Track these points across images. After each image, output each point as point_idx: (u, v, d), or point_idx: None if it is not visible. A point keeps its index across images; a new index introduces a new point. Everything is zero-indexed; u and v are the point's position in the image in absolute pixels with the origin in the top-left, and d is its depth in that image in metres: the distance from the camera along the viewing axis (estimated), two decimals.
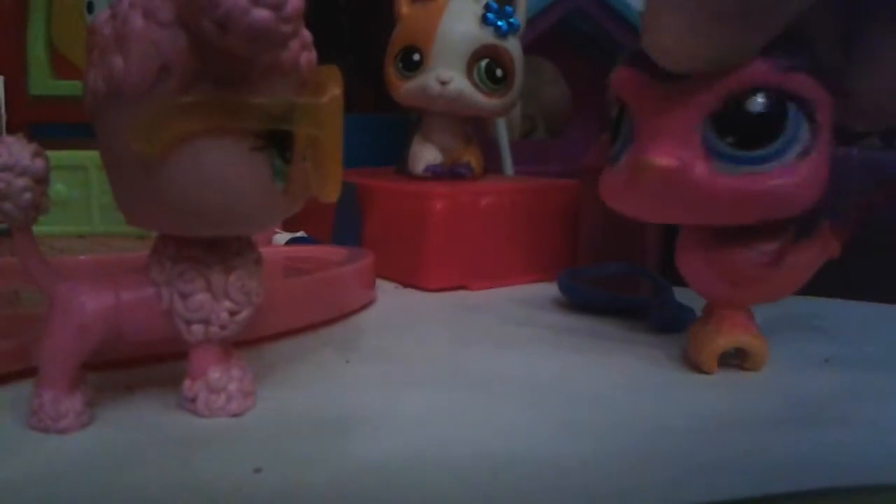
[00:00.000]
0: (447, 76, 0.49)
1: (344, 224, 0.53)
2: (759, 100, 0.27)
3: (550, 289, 0.46)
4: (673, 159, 0.28)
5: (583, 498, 0.21)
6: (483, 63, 0.50)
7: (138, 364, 0.31)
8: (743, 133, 0.27)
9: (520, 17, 0.51)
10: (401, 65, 0.51)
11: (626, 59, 0.29)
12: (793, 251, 0.30)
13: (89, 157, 0.58)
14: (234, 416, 0.26)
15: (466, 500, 0.21)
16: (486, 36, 0.50)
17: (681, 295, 0.37)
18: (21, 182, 0.23)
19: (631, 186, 0.29)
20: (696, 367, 0.32)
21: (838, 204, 0.31)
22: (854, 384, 0.30)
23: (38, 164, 0.23)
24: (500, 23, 0.50)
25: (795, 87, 0.27)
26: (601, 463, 0.23)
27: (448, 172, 0.52)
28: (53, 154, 0.25)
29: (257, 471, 0.22)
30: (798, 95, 0.27)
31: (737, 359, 0.32)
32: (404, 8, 0.53)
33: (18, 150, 0.23)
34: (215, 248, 0.26)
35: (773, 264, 0.30)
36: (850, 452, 0.24)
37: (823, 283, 0.38)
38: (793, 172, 0.27)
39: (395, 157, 0.56)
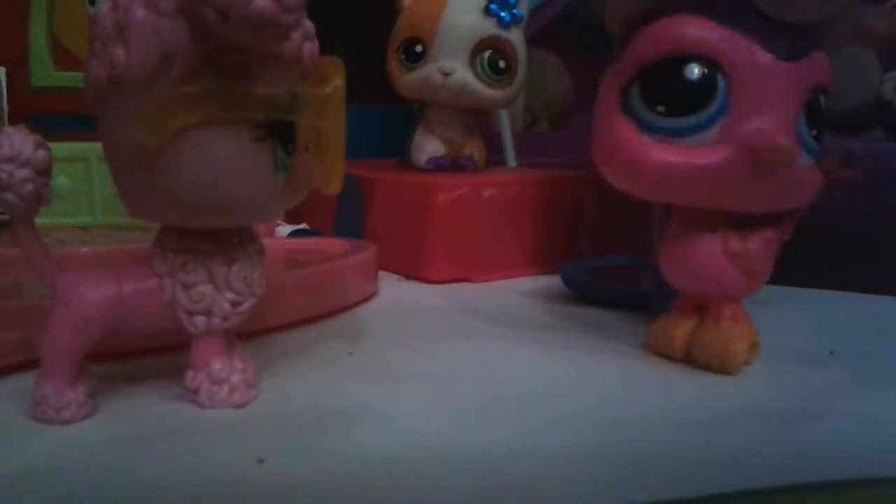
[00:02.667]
0: (450, 67, 0.49)
1: (346, 216, 0.53)
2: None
3: (553, 281, 0.45)
4: (789, 138, 0.27)
5: (585, 489, 0.21)
6: (486, 54, 0.50)
7: (141, 355, 0.31)
8: (820, 129, 0.28)
9: (523, 8, 0.51)
10: (403, 56, 0.51)
11: (719, 13, 0.27)
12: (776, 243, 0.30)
13: (91, 148, 0.58)
14: (237, 407, 0.26)
15: (469, 492, 0.21)
16: (489, 27, 0.50)
17: None
18: (23, 173, 0.23)
19: (747, 169, 0.27)
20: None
21: None
22: (858, 377, 0.30)
23: (40, 155, 0.23)
24: (503, 14, 0.50)
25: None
26: (604, 455, 0.23)
27: (450, 164, 0.52)
28: (55, 146, 0.24)
29: (260, 462, 0.22)
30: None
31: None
32: None
33: (20, 141, 0.23)
34: (217, 240, 0.26)
35: (776, 251, 0.30)
36: (855, 445, 0.24)
37: (826, 276, 0.38)
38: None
39: (397, 148, 0.56)
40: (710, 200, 0.29)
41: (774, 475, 0.22)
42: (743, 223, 0.30)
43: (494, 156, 0.58)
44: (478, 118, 0.55)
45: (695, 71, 0.27)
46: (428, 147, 0.53)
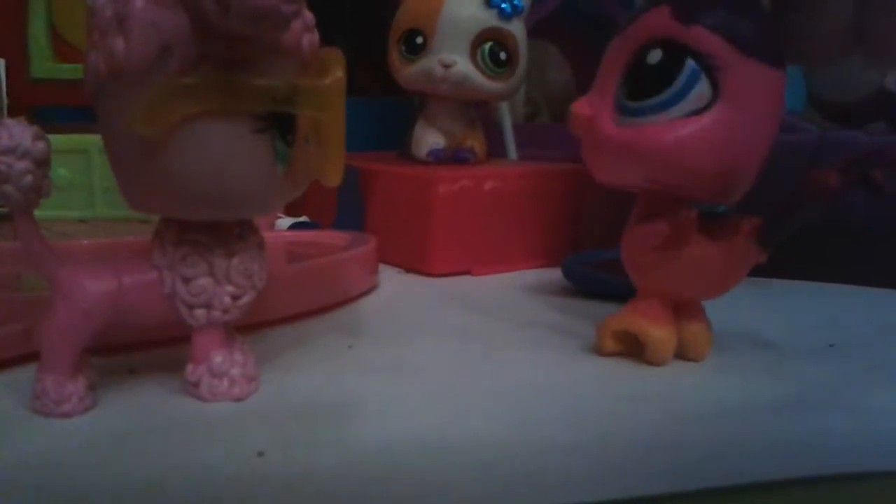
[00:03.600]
0: (451, 60, 0.49)
1: (347, 209, 0.53)
2: (655, 50, 0.27)
3: (554, 274, 0.45)
4: (587, 107, 0.29)
5: (585, 482, 0.21)
6: (487, 46, 0.49)
7: (141, 348, 0.31)
8: (635, 83, 0.28)
9: (524, 0, 0.51)
10: (404, 48, 0.51)
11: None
12: (693, 243, 0.29)
13: (91, 140, 0.57)
14: (237, 400, 0.26)
15: (469, 485, 0.21)
16: (490, 19, 0.49)
17: None
18: (22, 165, 0.23)
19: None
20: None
21: (761, 200, 0.29)
22: (858, 370, 0.30)
23: (39, 146, 0.23)
24: (503, 5, 0.49)
25: (693, 41, 0.27)
26: (606, 448, 0.23)
27: (451, 157, 0.52)
28: (55, 138, 0.24)
29: (260, 454, 0.22)
30: (697, 50, 0.27)
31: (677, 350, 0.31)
32: None
33: (19, 132, 0.23)
34: (218, 232, 0.26)
35: (664, 249, 0.29)
36: (854, 438, 0.24)
37: (827, 269, 0.37)
38: (676, 127, 0.27)
39: (398, 141, 0.56)
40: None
41: (774, 468, 0.22)
42: (643, 215, 0.30)
43: (495, 148, 0.58)
44: (478, 110, 0.55)
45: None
46: (428, 139, 0.53)
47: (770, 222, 0.28)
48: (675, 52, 0.27)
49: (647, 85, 0.27)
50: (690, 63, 0.27)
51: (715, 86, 0.27)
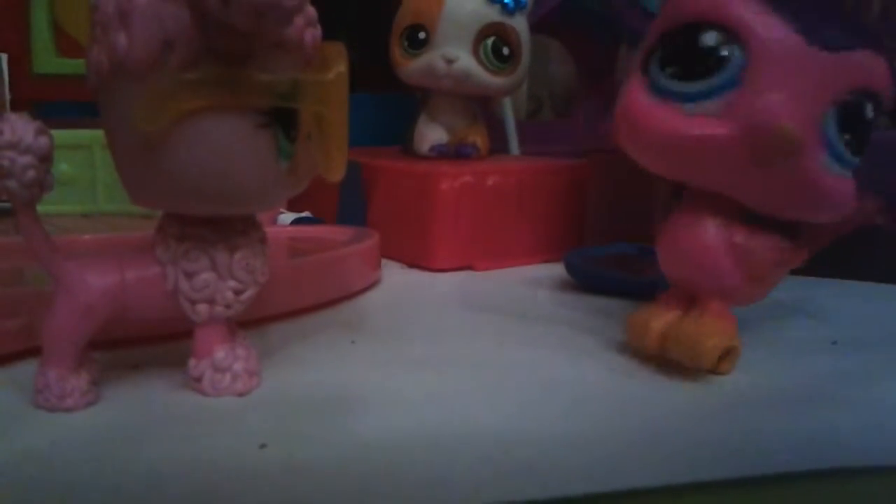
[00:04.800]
0: (453, 55, 0.49)
1: (349, 204, 0.53)
2: (870, 107, 0.26)
3: (557, 269, 0.45)
4: (800, 129, 0.25)
5: (588, 474, 0.21)
6: (489, 41, 0.49)
7: (144, 343, 0.31)
8: (856, 136, 0.26)
9: None
10: (406, 43, 0.51)
11: None
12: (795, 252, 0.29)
13: (94, 135, 0.57)
14: (240, 395, 0.26)
15: (471, 477, 0.21)
16: (493, 14, 0.49)
17: None
18: (24, 160, 0.23)
19: (739, 148, 0.26)
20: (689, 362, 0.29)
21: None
22: (862, 366, 0.30)
23: (42, 141, 0.23)
24: (506, 0, 0.49)
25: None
26: (606, 441, 0.23)
27: (454, 152, 0.52)
28: (58, 133, 0.24)
29: (262, 447, 0.22)
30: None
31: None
32: None
33: (22, 127, 0.23)
34: (220, 228, 0.26)
35: (784, 263, 0.29)
36: (856, 434, 0.24)
37: (829, 266, 0.37)
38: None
39: (400, 136, 0.56)
40: (705, 178, 0.27)
41: (776, 463, 0.22)
42: (755, 220, 0.28)
43: (498, 144, 0.58)
44: (481, 106, 0.55)
45: (707, 37, 0.26)
46: (431, 135, 0.52)
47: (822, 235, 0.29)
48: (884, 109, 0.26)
49: (865, 139, 0.27)
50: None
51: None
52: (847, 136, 0.26)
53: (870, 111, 0.26)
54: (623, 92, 0.28)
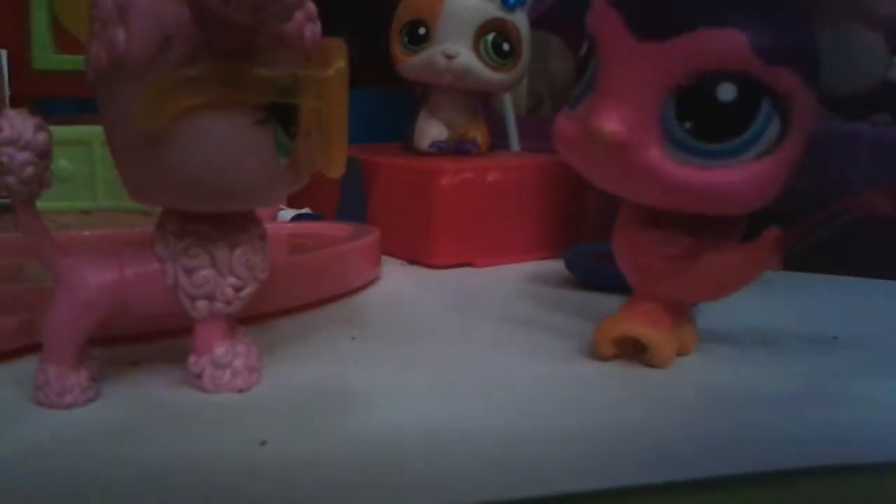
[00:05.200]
0: (453, 50, 0.49)
1: (349, 200, 0.53)
2: (727, 85, 0.24)
3: (557, 266, 0.45)
4: (624, 131, 0.25)
5: (588, 471, 0.21)
6: (489, 37, 0.49)
7: (144, 339, 0.31)
8: (703, 121, 0.25)
9: None
10: (406, 39, 0.51)
11: None
12: (715, 251, 0.28)
13: (93, 132, 0.57)
14: (240, 391, 0.26)
15: (471, 474, 0.21)
16: (493, 9, 0.49)
17: None
18: (23, 156, 0.23)
19: (580, 144, 0.27)
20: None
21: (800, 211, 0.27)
22: (862, 362, 0.30)
23: (41, 138, 0.23)
24: None
25: (774, 81, 0.24)
26: (607, 436, 0.23)
27: (454, 148, 0.52)
28: (57, 129, 0.24)
29: (263, 444, 0.22)
30: (776, 90, 0.24)
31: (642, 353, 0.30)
32: None
33: (21, 123, 0.23)
34: (220, 224, 0.26)
35: (681, 260, 0.28)
36: (857, 430, 0.24)
37: (830, 261, 0.37)
38: (741, 172, 0.25)
39: (400, 132, 0.56)
40: (585, 174, 0.29)
41: (777, 459, 0.22)
42: (654, 219, 0.28)
43: (498, 140, 0.58)
44: (481, 102, 0.55)
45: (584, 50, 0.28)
46: (431, 131, 0.52)
47: (797, 234, 0.27)
48: (751, 89, 0.24)
49: (718, 124, 0.25)
50: (766, 104, 0.25)
51: (786, 124, 0.25)
52: (688, 124, 0.25)
53: (724, 92, 0.25)
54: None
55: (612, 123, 0.25)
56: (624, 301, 0.31)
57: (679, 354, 0.30)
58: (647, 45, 0.25)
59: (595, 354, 0.30)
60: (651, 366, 0.29)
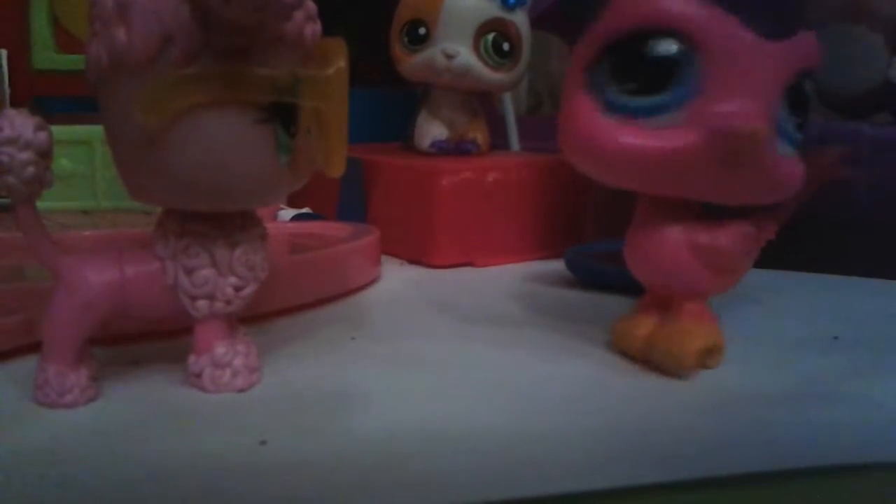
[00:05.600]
0: (453, 50, 0.49)
1: (349, 200, 0.53)
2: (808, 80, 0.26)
3: (557, 265, 0.45)
4: (764, 126, 0.24)
5: (588, 471, 0.21)
6: (490, 37, 0.49)
7: (144, 339, 0.31)
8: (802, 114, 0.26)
9: None
10: (406, 38, 0.51)
11: None
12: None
13: (93, 131, 0.57)
14: (240, 391, 0.26)
15: (471, 474, 0.21)
16: (493, 9, 0.49)
17: None
18: (24, 156, 0.23)
19: (708, 155, 0.25)
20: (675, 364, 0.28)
21: None
22: (862, 362, 0.30)
23: (41, 137, 0.23)
24: None
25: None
26: (606, 436, 0.23)
27: (454, 148, 0.52)
28: (57, 128, 0.24)
29: (262, 443, 0.22)
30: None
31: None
32: None
33: (21, 123, 0.23)
34: (220, 223, 0.26)
35: (753, 249, 0.28)
36: (858, 430, 0.24)
37: (831, 262, 0.37)
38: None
39: (400, 132, 0.56)
40: (675, 188, 0.27)
41: (776, 459, 0.22)
42: (715, 215, 0.28)
43: (498, 139, 0.58)
44: (481, 102, 0.55)
45: (663, 46, 0.25)
46: (431, 130, 0.52)
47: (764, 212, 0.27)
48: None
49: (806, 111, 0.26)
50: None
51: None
52: (795, 119, 0.26)
53: (809, 87, 0.26)
54: (569, 113, 0.27)
55: (762, 121, 0.25)
56: (624, 300, 0.31)
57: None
58: (769, 45, 0.25)
59: (686, 371, 0.28)
60: (711, 367, 0.28)
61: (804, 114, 0.26)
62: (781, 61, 0.25)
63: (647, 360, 0.29)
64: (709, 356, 0.28)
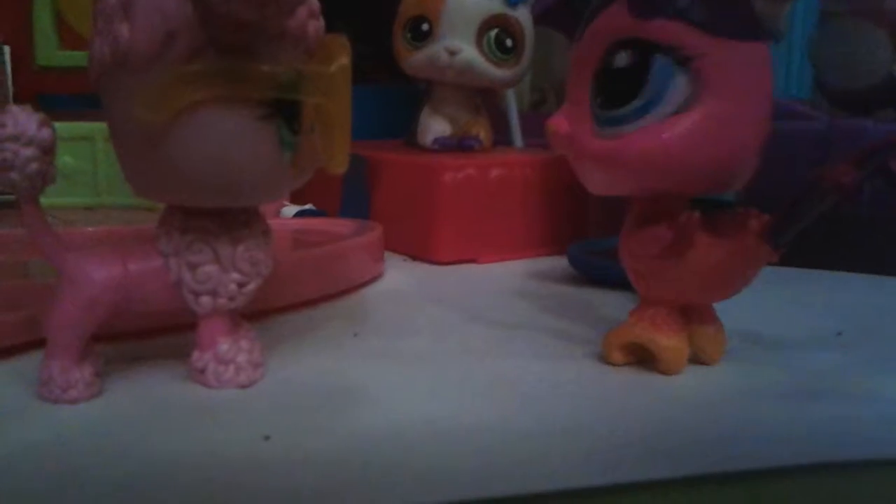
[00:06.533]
0: (456, 46, 0.49)
1: (352, 196, 0.53)
2: (621, 53, 0.25)
3: (560, 262, 0.45)
4: (565, 124, 0.27)
5: (589, 468, 0.21)
6: (493, 33, 0.49)
7: (147, 335, 0.31)
8: (607, 91, 0.26)
9: None
10: (409, 35, 0.51)
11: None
12: (698, 246, 0.27)
13: (97, 128, 0.57)
14: (243, 387, 0.26)
15: (473, 470, 0.21)
16: (496, 5, 0.49)
17: None
18: (27, 152, 0.23)
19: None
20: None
21: (770, 191, 0.28)
22: (866, 358, 0.30)
23: (45, 133, 0.23)
24: None
25: (656, 35, 0.25)
26: (610, 432, 0.23)
27: (457, 144, 0.52)
28: (60, 125, 0.24)
29: (266, 439, 0.22)
30: (663, 44, 0.25)
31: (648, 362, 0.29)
32: None
33: (24, 119, 0.23)
34: (223, 220, 0.26)
35: (666, 256, 0.27)
36: (861, 426, 0.24)
37: (835, 257, 0.37)
38: (660, 132, 0.25)
39: (403, 128, 0.56)
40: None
41: (781, 455, 0.22)
42: (642, 219, 0.28)
43: (501, 136, 0.58)
44: (484, 98, 0.55)
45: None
46: (434, 127, 0.52)
47: (781, 219, 0.26)
48: (643, 50, 0.25)
49: (619, 91, 0.25)
50: (659, 59, 0.25)
51: (696, 77, 0.25)
52: (599, 98, 0.26)
53: (620, 59, 0.26)
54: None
55: (556, 121, 0.28)
56: (628, 297, 0.31)
57: (703, 362, 0.29)
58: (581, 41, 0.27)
59: (605, 360, 0.29)
60: (664, 374, 0.28)
61: (612, 88, 0.26)
62: (587, 52, 0.27)
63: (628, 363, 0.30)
64: (659, 362, 0.28)
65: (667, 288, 0.28)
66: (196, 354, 0.26)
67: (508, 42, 0.50)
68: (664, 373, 0.28)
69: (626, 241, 0.29)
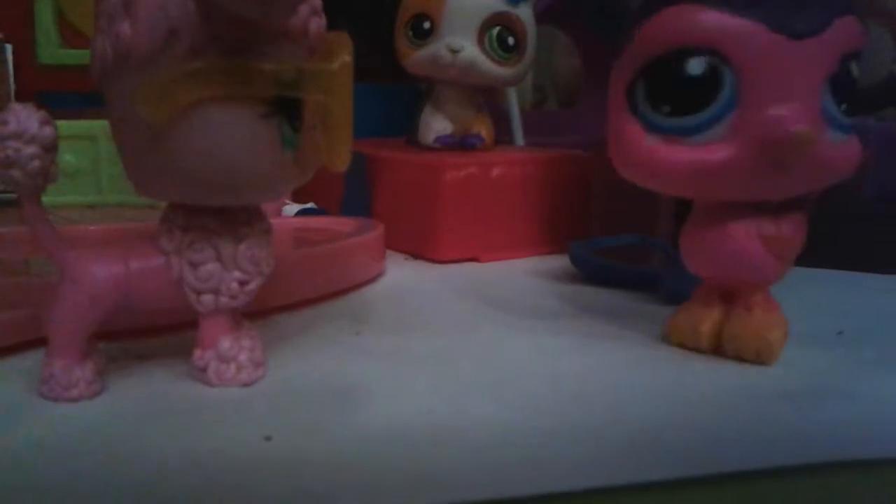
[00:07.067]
0: (458, 44, 0.49)
1: (354, 195, 0.53)
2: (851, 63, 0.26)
3: (562, 261, 0.45)
4: (809, 126, 0.25)
5: (591, 468, 0.21)
6: (495, 31, 0.49)
7: (149, 334, 0.31)
8: (847, 97, 0.26)
9: None
10: (411, 33, 0.51)
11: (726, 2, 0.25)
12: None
13: (99, 126, 0.57)
14: (245, 385, 0.26)
15: (474, 470, 0.21)
16: (498, 3, 0.49)
17: None
18: (29, 150, 0.23)
19: (757, 163, 0.26)
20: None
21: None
22: (867, 357, 0.30)
23: (47, 131, 0.23)
24: None
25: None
26: (611, 433, 0.23)
27: (458, 143, 0.52)
28: (62, 123, 0.24)
29: (267, 438, 0.22)
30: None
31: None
32: None
33: (26, 117, 0.23)
34: (225, 218, 0.26)
35: (805, 233, 0.29)
36: (862, 426, 0.24)
37: (836, 256, 0.37)
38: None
39: (405, 126, 0.56)
40: (729, 194, 0.28)
41: (781, 455, 0.22)
42: (774, 207, 0.28)
43: (502, 135, 0.58)
44: (486, 96, 0.55)
45: (696, 66, 0.26)
46: (436, 125, 0.52)
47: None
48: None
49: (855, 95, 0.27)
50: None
51: None
52: (843, 105, 0.27)
53: (855, 69, 0.27)
54: (617, 136, 0.28)
55: (805, 122, 0.25)
56: (628, 296, 0.31)
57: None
58: (802, 43, 0.25)
59: (770, 362, 0.29)
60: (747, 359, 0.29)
61: (851, 96, 0.27)
62: (818, 56, 0.25)
63: (719, 353, 0.30)
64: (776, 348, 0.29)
65: (787, 270, 0.30)
66: (197, 353, 0.26)
67: (510, 40, 0.50)
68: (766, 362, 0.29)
69: (774, 230, 0.29)
